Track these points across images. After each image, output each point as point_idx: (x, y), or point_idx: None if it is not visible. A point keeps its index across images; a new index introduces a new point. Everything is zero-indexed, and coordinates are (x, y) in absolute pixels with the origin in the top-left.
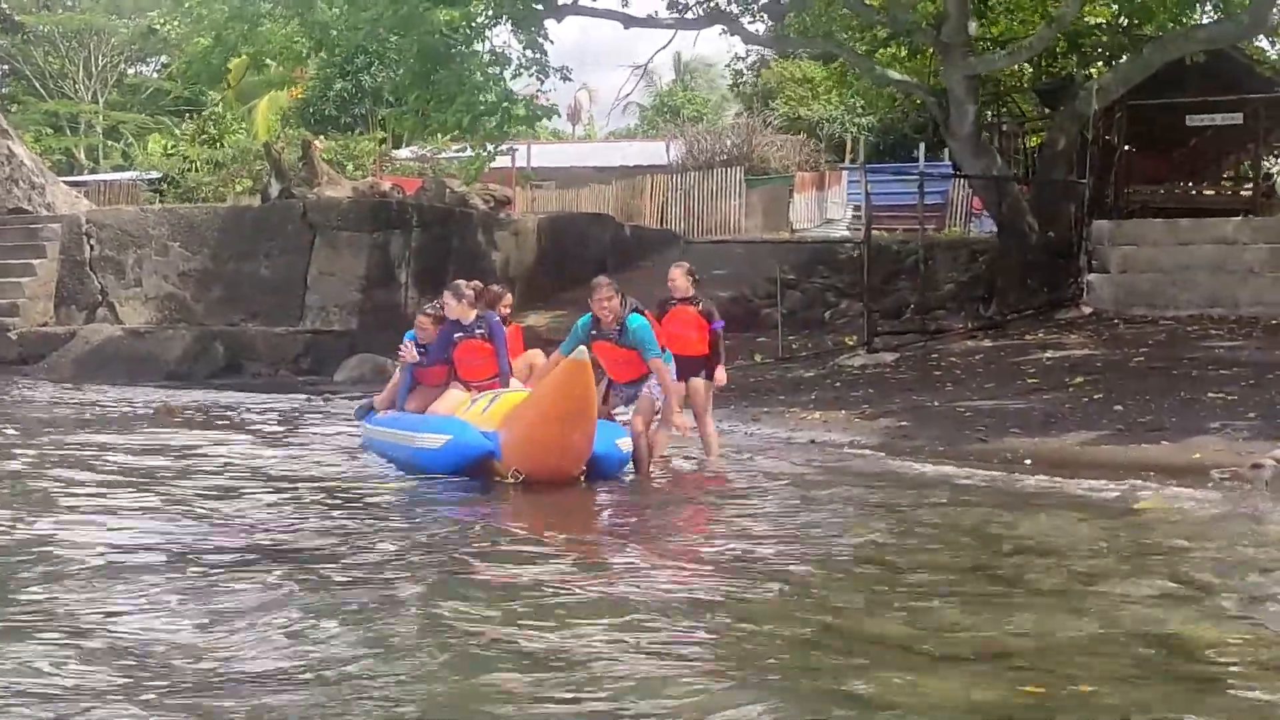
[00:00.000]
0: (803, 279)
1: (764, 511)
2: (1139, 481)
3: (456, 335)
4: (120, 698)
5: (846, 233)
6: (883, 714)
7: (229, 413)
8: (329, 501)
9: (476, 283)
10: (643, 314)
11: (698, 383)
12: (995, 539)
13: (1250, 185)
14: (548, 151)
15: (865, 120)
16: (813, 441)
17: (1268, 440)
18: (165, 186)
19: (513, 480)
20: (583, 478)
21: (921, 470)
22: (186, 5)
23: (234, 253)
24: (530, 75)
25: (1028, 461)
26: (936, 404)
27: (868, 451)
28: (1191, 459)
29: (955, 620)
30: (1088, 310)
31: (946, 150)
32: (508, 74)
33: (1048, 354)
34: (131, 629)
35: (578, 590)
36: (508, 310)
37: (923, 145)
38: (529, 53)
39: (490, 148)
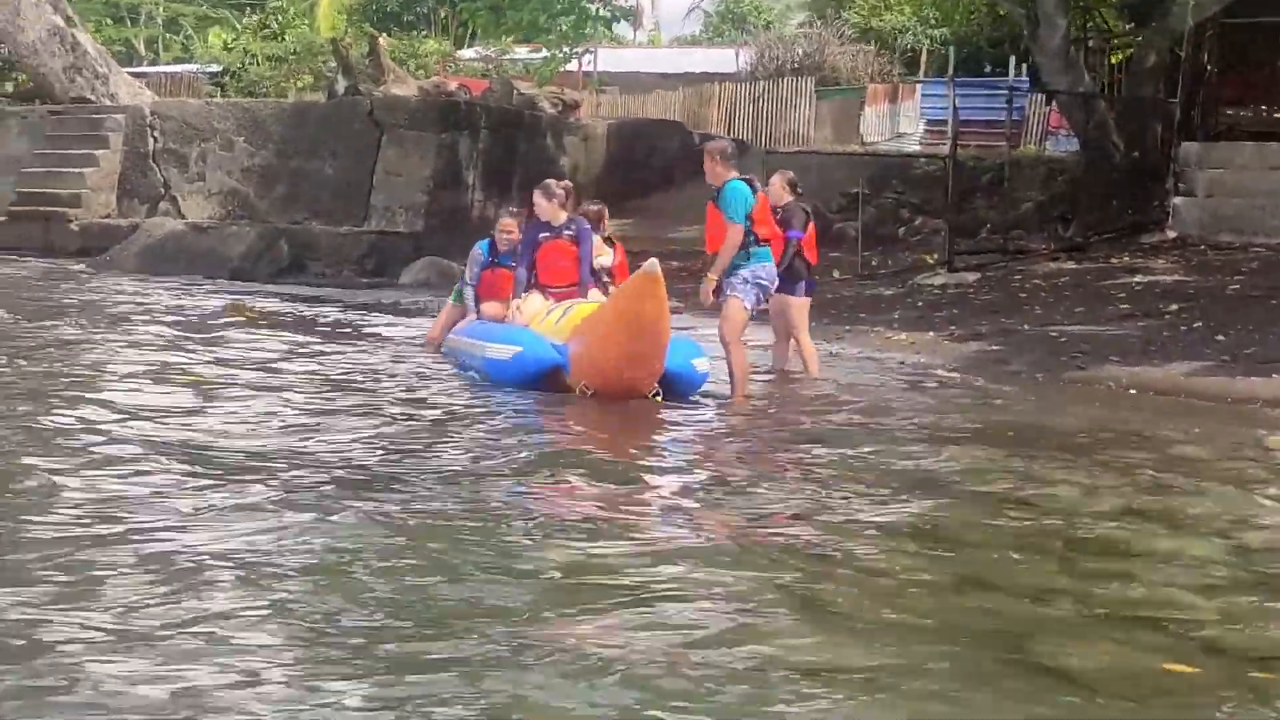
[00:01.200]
0: (876, 194)
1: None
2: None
3: (542, 235)
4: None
5: (918, 147)
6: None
7: (300, 311)
8: (386, 413)
9: (567, 182)
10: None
11: (789, 299)
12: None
13: None
14: (612, 56)
15: (939, 32)
16: (902, 363)
17: None
18: (226, 80)
19: (581, 394)
20: (657, 396)
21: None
22: None
23: (299, 149)
24: None
25: (1132, 391)
26: (1026, 328)
27: (956, 374)
28: None
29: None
30: (1173, 234)
31: (1024, 65)
32: None
33: (1136, 278)
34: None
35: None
36: (607, 230)
37: (1012, 58)
38: None
39: (565, 49)
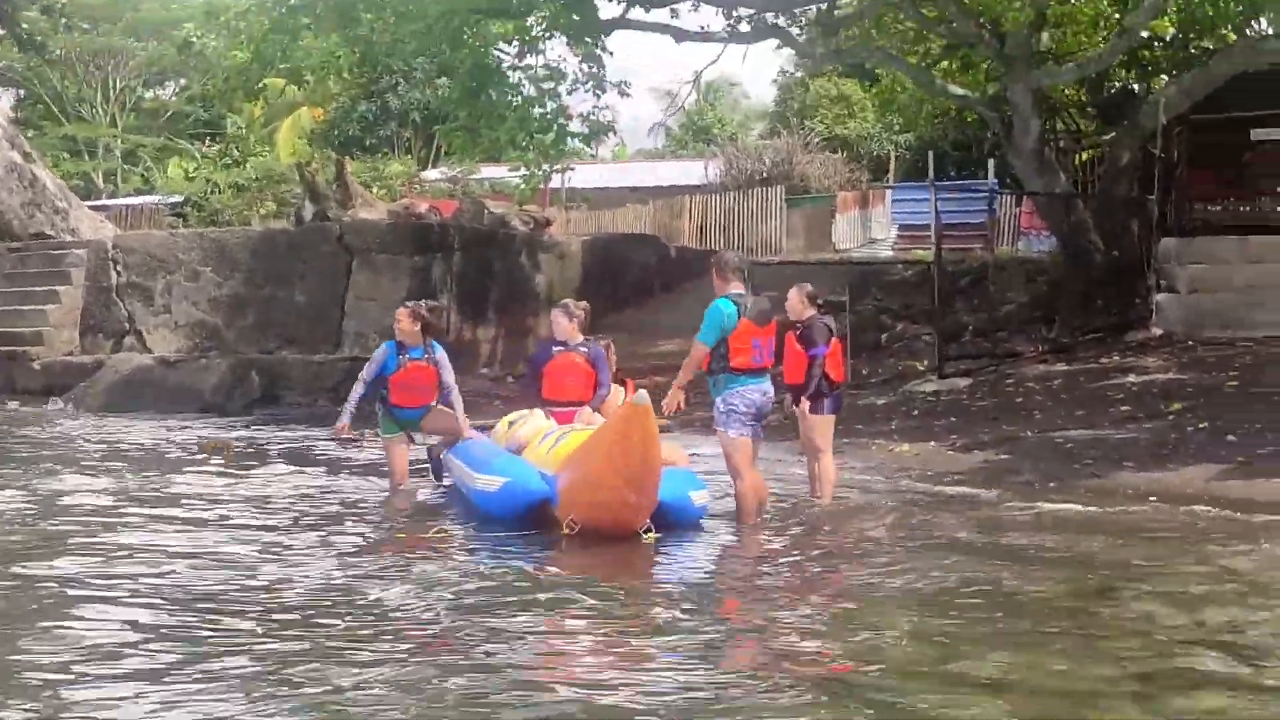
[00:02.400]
0: (856, 301)
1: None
2: None
3: (555, 349)
4: None
5: (891, 253)
6: None
7: (279, 446)
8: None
9: (585, 304)
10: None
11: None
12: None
13: None
14: (579, 172)
15: (903, 138)
16: (910, 475)
17: None
18: (188, 210)
19: (568, 531)
20: (649, 533)
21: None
22: (223, 19)
23: (268, 277)
24: (586, 90)
25: (1152, 499)
26: (1030, 434)
27: (974, 489)
28: None
29: None
30: (1157, 332)
31: (989, 167)
32: (563, 88)
33: (1130, 378)
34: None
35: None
36: (614, 366)
37: (991, 161)
38: (585, 66)
39: (546, 166)
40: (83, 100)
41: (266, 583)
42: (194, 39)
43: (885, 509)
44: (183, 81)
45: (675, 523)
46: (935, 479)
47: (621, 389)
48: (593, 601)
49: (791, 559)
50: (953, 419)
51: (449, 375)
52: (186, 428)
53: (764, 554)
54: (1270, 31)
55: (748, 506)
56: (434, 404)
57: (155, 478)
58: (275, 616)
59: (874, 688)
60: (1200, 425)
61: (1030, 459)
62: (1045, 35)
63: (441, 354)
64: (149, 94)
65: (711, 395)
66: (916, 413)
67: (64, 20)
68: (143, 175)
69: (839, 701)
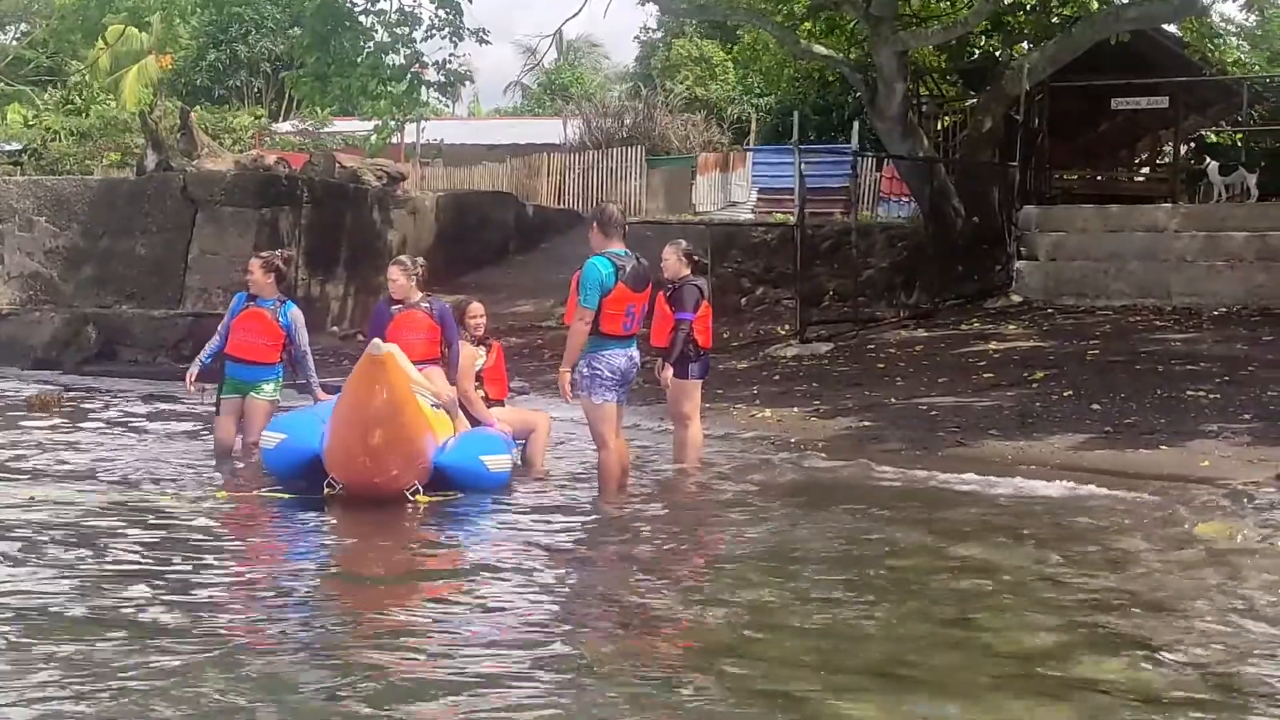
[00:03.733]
0: (717, 264)
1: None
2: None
3: (394, 307)
4: None
5: (751, 216)
6: None
7: (105, 402)
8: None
9: (423, 260)
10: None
11: (680, 382)
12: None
13: (1166, 170)
14: (434, 129)
15: (764, 101)
16: (773, 443)
17: (1272, 444)
18: (25, 158)
19: (328, 490)
20: (415, 493)
21: (935, 480)
22: None
23: (107, 229)
24: (443, 37)
25: (1021, 467)
26: (894, 401)
27: (837, 459)
28: (1201, 467)
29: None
30: (1017, 299)
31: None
32: (418, 35)
33: (992, 345)
34: None
35: None
36: (481, 328)
37: (856, 125)
38: (442, 12)
39: (399, 116)
40: None
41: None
42: None
43: (749, 478)
44: (24, 26)
45: (464, 487)
46: (797, 447)
47: (483, 350)
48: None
49: (645, 527)
50: (814, 384)
51: (302, 337)
52: (11, 382)
53: (616, 521)
54: None
55: (610, 475)
56: (273, 365)
57: None
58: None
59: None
60: (1065, 394)
61: (895, 426)
62: None
63: (295, 313)
64: None
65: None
66: (778, 378)
67: None
68: None
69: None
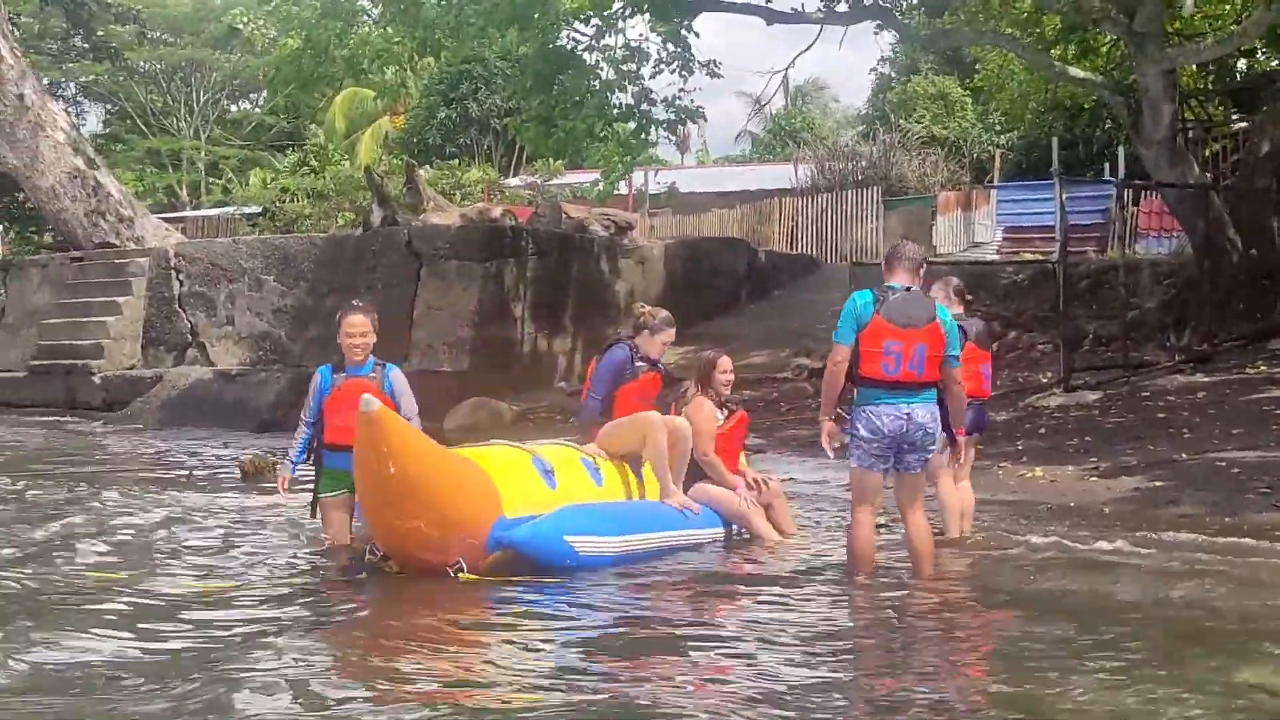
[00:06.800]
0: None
1: None
2: None
3: (640, 364)
4: None
5: (996, 256)
6: None
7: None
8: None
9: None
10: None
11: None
12: None
13: None
14: (663, 177)
15: (1005, 137)
16: (1049, 509)
17: None
18: (262, 219)
19: (369, 559)
20: (459, 571)
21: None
22: (273, 4)
23: (333, 286)
24: (672, 71)
25: None
26: (1184, 456)
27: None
28: None
29: None
30: None
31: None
32: (645, 70)
33: None
34: None
35: None
36: (727, 379)
37: (1121, 152)
38: (670, 47)
39: (628, 157)
40: (168, 113)
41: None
42: (239, 24)
43: (1025, 555)
44: (265, 95)
45: (545, 568)
46: (1080, 514)
47: (723, 414)
48: None
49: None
50: (1087, 438)
51: (410, 403)
52: (227, 450)
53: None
54: None
55: (853, 556)
56: None
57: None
58: None
59: None
60: None
61: (1190, 486)
62: (1189, 2)
63: (398, 375)
64: (233, 106)
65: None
66: (1044, 430)
67: (143, 31)
68: (224, 187)
69: None
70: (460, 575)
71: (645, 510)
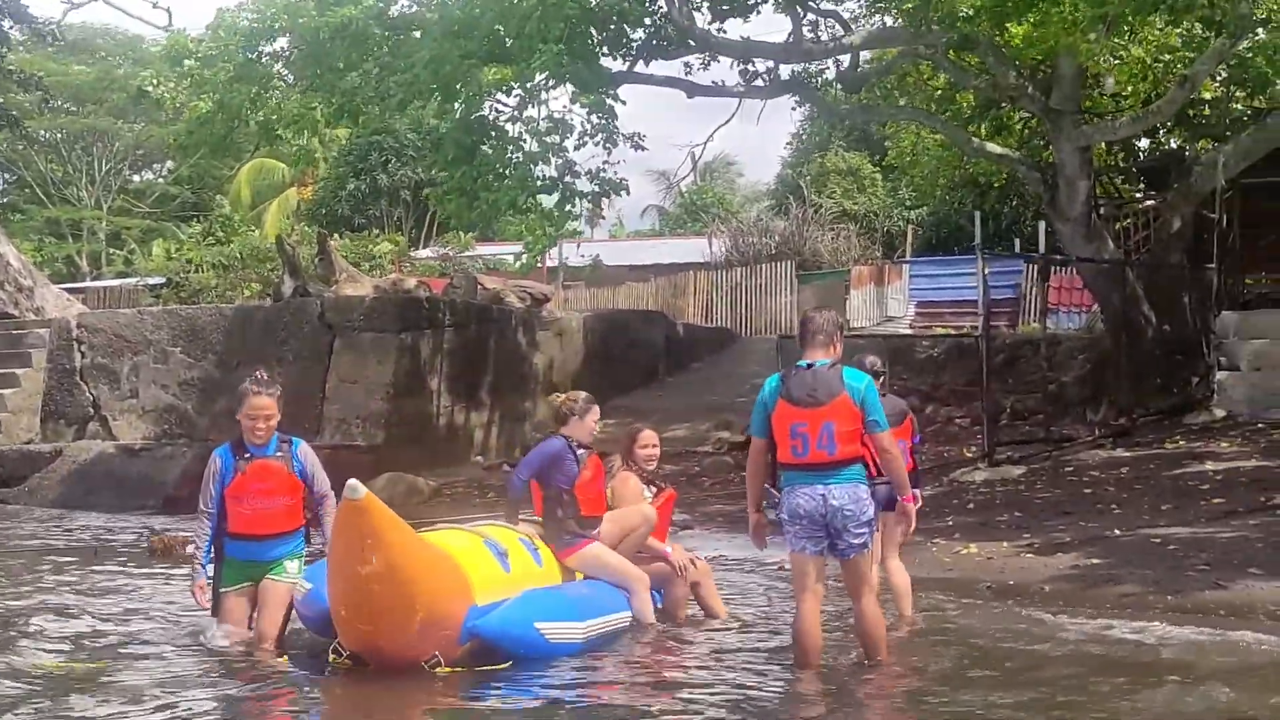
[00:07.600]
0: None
1: None
2: None
3: (581, 453)
4: None
5: (909, 330)
6: None
7: None
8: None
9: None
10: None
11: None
12: None
13: None
14: (585, 249)
15: (916, 213)
16: (989, 587)
17: None
18: (165, 291)
19: (333, 658)
20: (435, 665)
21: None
22: (185, 65)
23: (242, 358)
24: (596, 143)
25: None
26: (1117, 532)
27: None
28: None
29: None
30: (1220, 413)
31: (1016, 240)
32: (569, 142)
33: (1209, 466)
34: None
35: None
36: (650, 454)
37: (1041, 227)
38: (595, 118)
39: (550, 230)
40: (68, 183)
41: None
42: (149, 86)
43: (966, 634)
44: (170, 164)
45: (516, 655)
46: (1021, 592)
47: (650, 491)
48: None
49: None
50: (1016, 513)
51: (323, 479)
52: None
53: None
54: None
55: (796, 648)
56: (295, 531)
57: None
58: None
59: None
60: None
61: (1127, 564)
62: (1110, 81)
63: (306, 449)
64: (135, 176)
65: None
66: (972, 505)
67: (46, 98)
68: (126, 258)
69: None
70: (436, 670)
71: (597, 592)
